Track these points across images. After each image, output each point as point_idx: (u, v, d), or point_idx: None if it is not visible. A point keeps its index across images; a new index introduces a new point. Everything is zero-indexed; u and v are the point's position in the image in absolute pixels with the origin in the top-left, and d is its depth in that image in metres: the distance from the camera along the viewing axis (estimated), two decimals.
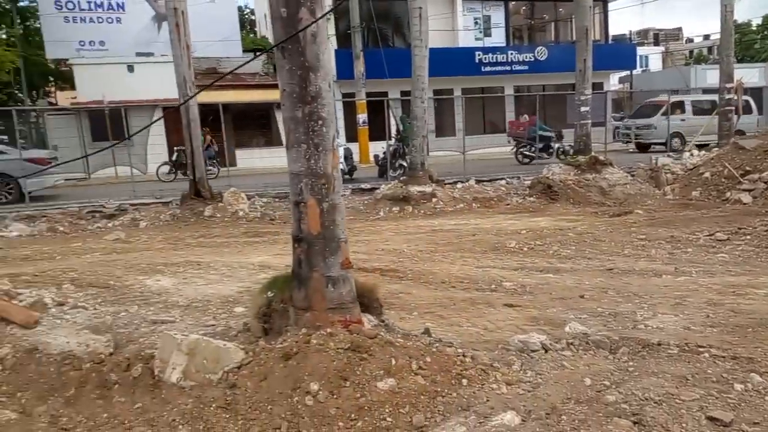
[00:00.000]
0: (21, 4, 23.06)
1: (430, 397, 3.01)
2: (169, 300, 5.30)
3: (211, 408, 3.06)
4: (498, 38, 25.47)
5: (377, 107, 19.91)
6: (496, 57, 24.38)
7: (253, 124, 23.02)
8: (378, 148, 18.23)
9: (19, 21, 22.56)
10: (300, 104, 3.21)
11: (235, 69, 15.81)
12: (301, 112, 3.22)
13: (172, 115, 19.70)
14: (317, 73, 3.20)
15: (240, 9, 31.50)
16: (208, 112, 16.01)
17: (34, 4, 21.83)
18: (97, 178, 17.34)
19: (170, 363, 3.42)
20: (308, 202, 3.31)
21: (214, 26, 18.96)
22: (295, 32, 2.96)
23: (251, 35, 36.42)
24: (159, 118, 15.56)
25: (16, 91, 24.40)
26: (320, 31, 3.16)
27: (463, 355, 3.44)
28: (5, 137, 18.75)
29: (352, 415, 2.83)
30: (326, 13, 2.92)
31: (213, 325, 4.54)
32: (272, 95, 21.54)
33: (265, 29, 37.44)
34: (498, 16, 25.37)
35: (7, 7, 22.23)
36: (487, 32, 25.00)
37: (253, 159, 20.14)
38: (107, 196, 13.31)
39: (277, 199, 13.19)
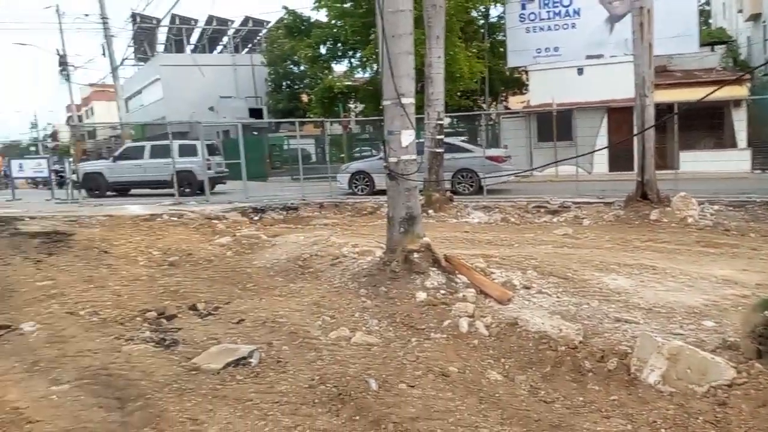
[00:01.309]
0: (491, 20, 26.47)
1: None
2: (629, 300, 5.29)
3: (698, 420, 2.92)
4: None
5: None
6: None
7: (702, 125, 20.91)
8: None
9: (487, 35, 25.98)
10: None
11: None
12: None
13: (615, 115, 19.69)
14: None
15: None
16: (658, 112, 15.27)
17: (501, 19, 24.75)
18: (540, 176, 18.67)
19: (648, 364, 3.41)
20: None
21: (668, 21, 17.88)
22: None
23: (704, 27, 33.09)
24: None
25: (477, 98, 28.18)
26: None
27: None
28: (465, 137, 21.89)
29: None
30: None
31: (681, 335, 4.31)
32: (729, 92, 19.17)
33: (722, 19, 33.50)
34: None
35: (480, 23, 25.83)
36: None
37: (699, 162, 18.38)
38: (550, 193, 14.13)
39: (730, 208, 11.71)
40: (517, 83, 29.70)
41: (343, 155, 23.76)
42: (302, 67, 30.02)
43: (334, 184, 16.78)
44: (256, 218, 12.75)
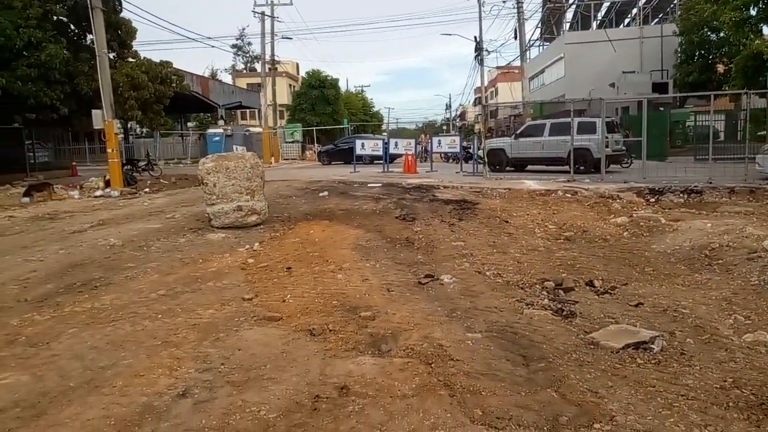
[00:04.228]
0: None
1: None
2: None
3: None
4: None
5: None
6: None
7: None
8: None
9: None
10: None
11: None
12: None
13: None
14: None
15: None
16: None
17: None
18: None
19: None
20: None
21: None
22: None
23: None
24: None
25: None
26: None
27: None
28: None
29: None
30: None
31: None
32: None
33: None
34: None
35: None
36: None
37: None
38: None
39: None
40: None
41: (763, 133, 20.10)
42: (722, 34, 26.31)
43: (751, 166, 14.41)
44: (652, 200, 11.97)
